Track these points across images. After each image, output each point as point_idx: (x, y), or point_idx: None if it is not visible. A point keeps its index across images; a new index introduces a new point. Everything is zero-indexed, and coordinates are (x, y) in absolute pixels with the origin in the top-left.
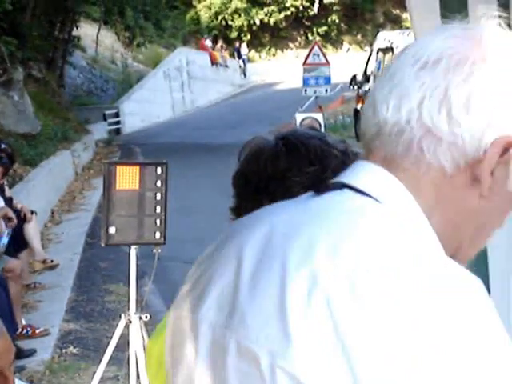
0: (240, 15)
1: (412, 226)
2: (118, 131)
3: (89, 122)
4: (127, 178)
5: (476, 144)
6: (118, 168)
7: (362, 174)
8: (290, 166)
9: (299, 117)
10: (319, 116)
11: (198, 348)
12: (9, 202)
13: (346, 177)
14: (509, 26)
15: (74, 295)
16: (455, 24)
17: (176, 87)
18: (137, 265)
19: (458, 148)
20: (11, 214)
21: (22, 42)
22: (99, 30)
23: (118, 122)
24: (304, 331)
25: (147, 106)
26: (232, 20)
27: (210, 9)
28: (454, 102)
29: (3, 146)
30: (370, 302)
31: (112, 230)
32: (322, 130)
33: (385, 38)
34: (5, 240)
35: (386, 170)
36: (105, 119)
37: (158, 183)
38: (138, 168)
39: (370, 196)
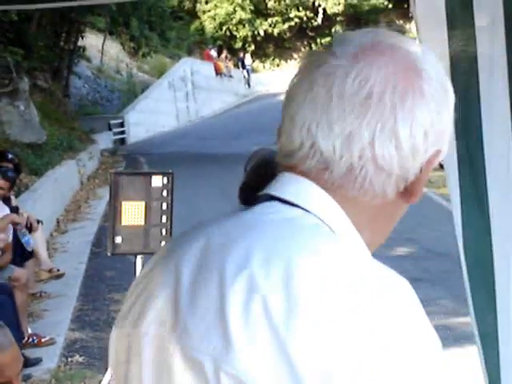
0: (244, 26)
1: (342, 234)
2: (122, 141)
3: (94, 131)
4: (133, 187)
5: (417, 169)
6: (124, 178)
7: (290, 186)
8: None
9: None
10: None
11: (143, 363)
12: (15, 211)
13: (273, 189)
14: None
15: (80, 304)
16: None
17: (181, 97)
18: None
19: (403, 178)
20: (17, 218)
21: (27, 52)
22: (104, 40)
23: (122, 132)
24: (245, 337)
25: (152, 116)
26: (236, 30)
27: (215, 19)
28: (402, 138)
29: (10, 156)
30: (305, 308)
31: (118, 239)
32: None
33: None
34: (28, 239)
35: (315, 184)
36: (110, 129)
37: (164, 193)
38: (144, 178)
39: (300, 207)
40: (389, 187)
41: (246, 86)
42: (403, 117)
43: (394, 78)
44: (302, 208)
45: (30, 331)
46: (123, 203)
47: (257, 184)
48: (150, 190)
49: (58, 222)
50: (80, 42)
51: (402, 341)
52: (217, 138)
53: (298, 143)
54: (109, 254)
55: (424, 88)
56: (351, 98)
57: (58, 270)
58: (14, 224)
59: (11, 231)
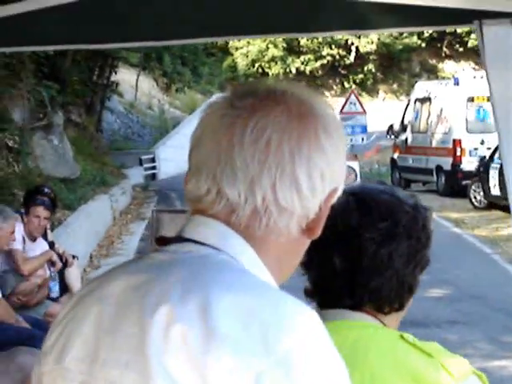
0: (276, 63)
1: (252, 270)
2: (153, 176)
3: (125, 166)
4: (174, 224)
5: (317, 207)
6: (165, 215)
7: (201, 227)
8: (361, 222)
9: None
10: (355, 164)
11: None
12: (51, 246)
13: (185, 231)
14: None
15: None
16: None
17: None
18: None
19: (305, 217)
20: (55, 257)
21: (62, 86)
22: (138, 75)
23: (153, 167)
24: (164, 368)
25: (183, 152)
26: (269, 67)
27: (247, 56)
28: (301, 181)
29: (46, 190)
30: (221, 337)
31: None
32: (358, 178)
33: (422, 87)
34: (55, 287)
35: (224, 225)
36: (141, 164)
37: None
38: (184, 215)
39: (211, 246)
40: (292, 226)
41: None
42: (301, 161)
43: (290, 125)
44: (215, 247)
45: None
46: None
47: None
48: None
49: (91, 257)
50: (113, 77)
51: (306, 366)
52: None
53: (204, 190)
54: None
55: (319, 133)
56: (251, 147)
57: None
58: (51, 263)
59: (48, 268)
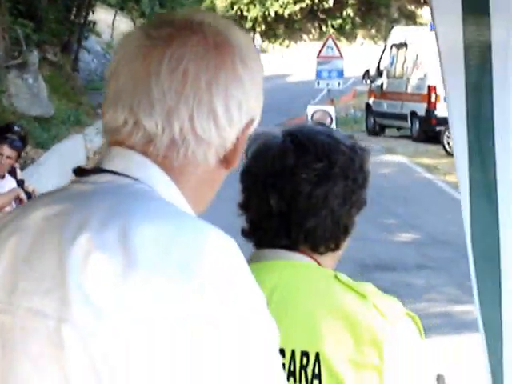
0: (255, 6)
1: (170, 199)
2: None
3: (101, 106)
4: None
5: (234, 137)
6: None
7: (119, 159)
8: (297, 162)
9: (311, 109)
10: (331, 109)
11: None
12: (21, 184)
13: (104, 163)
14: None
15: None
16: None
17: None
18: None
19: (222, 147)
20: (23, 195)
21: (38, 25)
22: (115, 15)
23: None
24: (83, 294)
25: None
26: (247, 10)
27: None
28: (218, 111)
29: (16, 128)
30: (141, 262)
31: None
32: (334, 123)
33: (399, 33)
34: None
35: (142, 156)
36: None
37: None
38: None
39: (130, 177)
40: (210, 156)
41: None
42: (218, 91)
43: (207, 55)
44: (132, 177)
45: None
46: None
47: (257, 169)
48: None
49: None
50: (90, 17)
51: (224, 292)
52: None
53: (121, 120)
54: None
55: (236, 63)
56: (168, 77)
57: None
58: (19, 200)
59: (14, 206)
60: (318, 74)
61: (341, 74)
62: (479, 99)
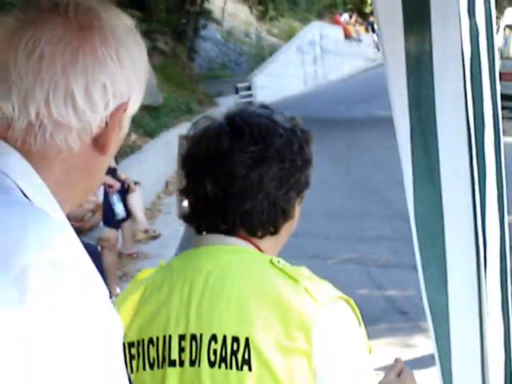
0: None
1: (24, 186)
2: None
3: (221, 94)
4: None
5: (99, 121)
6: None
7: None
8: (232, 145)
9: None
10: None
11: None
12: (111, 172)
13: None
14: None
15: None
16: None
17: (309, 61)
18: None
19: (85, 131)
20: (110, 180)
21: (147, 14)
22: (225, 4)
23: (249, 95)
24: None
25: (279, 80)
26: None
27: None
28: (76, 95)
29: None
30: None
31: (186, 203)
32: None
33: None
34: (119, 207)
35: (8, 146)
36: (237, 92)
37: None
38: None
39: None
40: (71, 140)
41: (375, 49)
42: (75, 74)
43: (66, 37)
44: None
45: (118, 291)
46: None
47: (194, 153)
48: None
49: (166, 184)
50: (207, 5)
51: (42, 286)
52: (343, 102)
53: None
54: (177, 219)
55: (96, 45)
56: (25, 60)
57: (155, 231)
58: (109, 186)
59: (102, 192)
60: None
61: None
62: (420, 81)
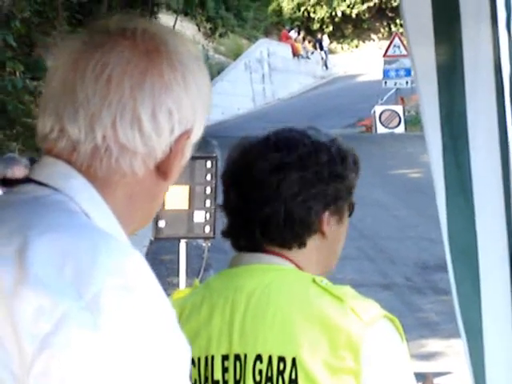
0: (322, 6)
1: (91, 210)
2: None
3: None
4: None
5: (164, 147)
6: None
7: (44, 168)
8: (257, 155)
9: (378, 109)
10: (399, 108)
11: None
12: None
13: (31, 172)
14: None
15: None
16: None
17: (257, 79)
18: (202, 258)
19: (150, 157)
20: None
21: None
22: (176, 20)
23: None
24: None
25: (228, 98)
26: (314, 12)
27: (293, 0)
28: (143, 118)
29: None
30: (33, 277)
31: (161, 223)
32: (402, 122)
33: None
34: None
35: (66, 164)
36: None
37: (208, 177)
38: (187, 161)
39: (50, 186)
40: (137, 166)
41: (324, 67)
42: (142, 98)
43: (134, 61)
44: (52, 187)
45: None
46: None
47: (226, 169)
48: (193, 173)
49: None
50: None
51: (116, 311)
52: (292, 121)
53: (48, 128)
54: (152, 239)
55: (163, 69)
56: (93, 82)
57: None
58: None
59: None
60: (386, 74)
61: (409, 72)
62: (452, 96)
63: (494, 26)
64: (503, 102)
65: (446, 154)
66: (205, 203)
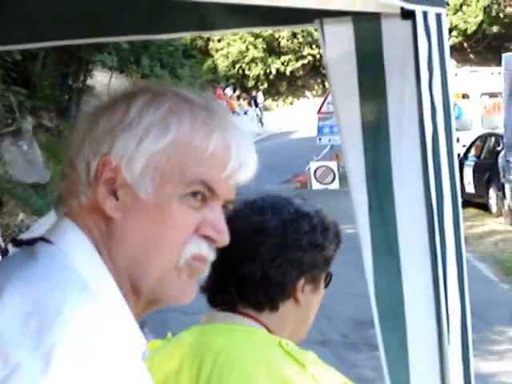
0: (257, 64)
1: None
2: None
3: None
4: None
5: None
6: None
7: (53, 224)
8: (242, 213)
9: (313, 165)
10: (333, 164)
11: None
12: (5, 254)
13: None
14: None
15: None
16: None
17: None
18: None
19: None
20: None
21: (32, 91)
22: (111, 78)
23: None
24: None
25: None
26: (249, 69)
27: (228, 58)
28: None
29: None
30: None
31: None
32: (336, 178)
33: None
34: None
35: (67, 218)
36: None
37: None
38: None
39: (47, 240)
40: None
41: (259, 124)
42: None
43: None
44: (46, 240)
45: None
46: None
47: None
48: None
49: None
50: (89, 81)
51: (67, 364)
52: None
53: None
54: None
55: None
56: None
57: None
58: None
59: None
60: (320, 130)
61: None
62: (378, 153)
63: (417, 85)
64: (426, 158)
65: (372, 211)
66: None
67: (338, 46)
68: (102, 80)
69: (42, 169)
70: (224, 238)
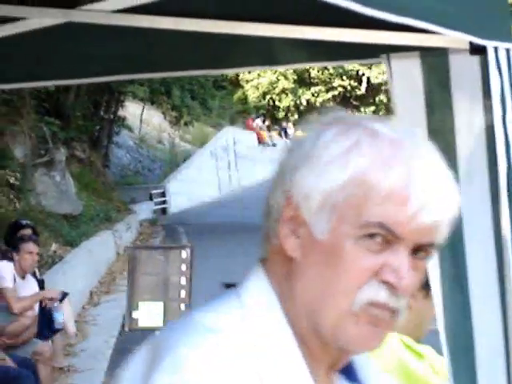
0: (287, 95)
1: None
2: (164, 211)
3: (135, 201)
4: (151, 261)
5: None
6: (142, 252)
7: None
8: None
9: None
10: None
11: None
12: (41, 284)
13: None
14: None
15: (108, 379)
16: None
17: (223, 166)
18: None
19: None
20: (49, 294)
21: (65, 122)
22: (143, 109)
23: (164, 202)
24: None
25: (194, 185)
26: (279, 100)
27: (258, 89)
28: None
29: (25, 222)
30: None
31: (136, 314)
32: None
33: None
34: (59, 317)
35: (259, 263)
36: (151, 199)
37: (183, 267)
38: (162, 252)
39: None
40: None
41: None
42: None
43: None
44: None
45: None
46: (141, 278)
47: None
48: (168, 264)
49: (91, 295)
50: (121, 112)
51: None
52: (258, 208)
53: None
54: (126, 330)
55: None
56: None
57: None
58: (48, 299)
59: (37, 305)
60: None
61: None
62: None
63: (486, 120)
64: (498, 195)
65: (443, 251)
66: (180, 294)
67: (405, 81)
68: (134, 111)
69: (74, 199)
70: (405, 286)
